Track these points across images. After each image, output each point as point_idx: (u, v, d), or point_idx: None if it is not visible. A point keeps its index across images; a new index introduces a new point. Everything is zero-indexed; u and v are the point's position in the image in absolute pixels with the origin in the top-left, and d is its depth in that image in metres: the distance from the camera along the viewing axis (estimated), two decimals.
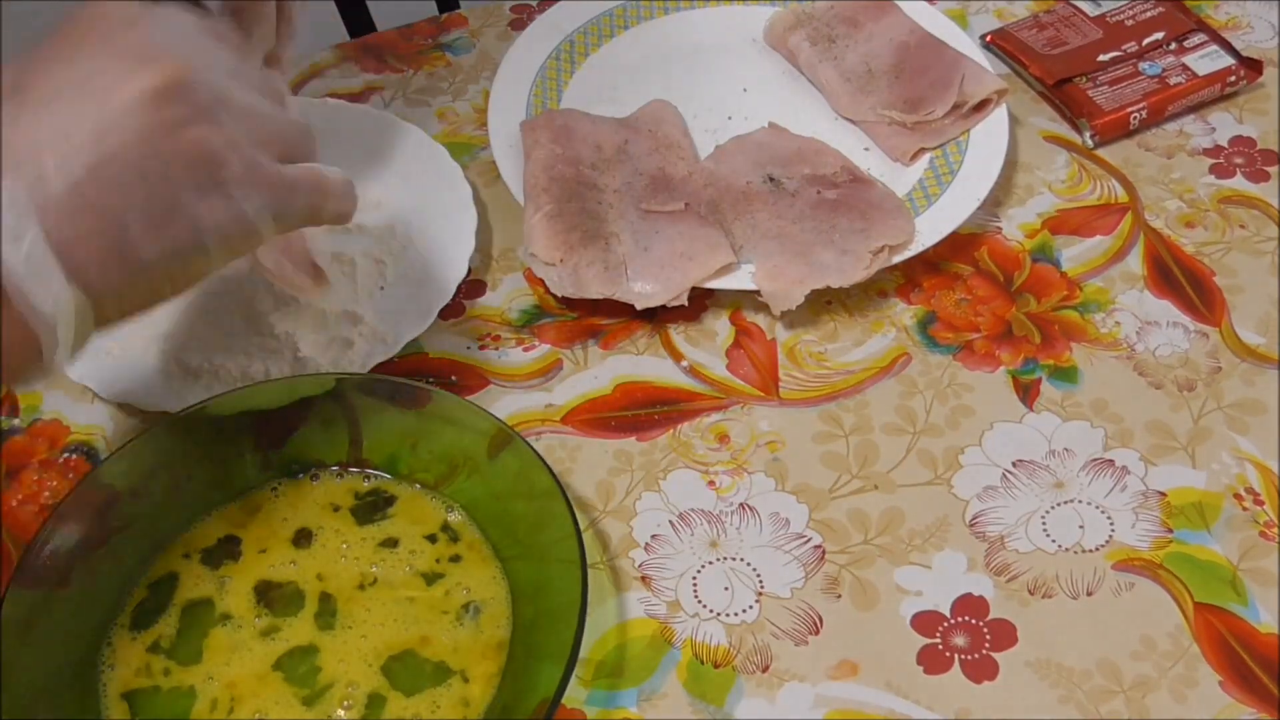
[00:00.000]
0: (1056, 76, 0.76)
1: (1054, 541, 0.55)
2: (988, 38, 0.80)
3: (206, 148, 0.42)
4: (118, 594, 0.52)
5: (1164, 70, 0.75)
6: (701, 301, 0.65)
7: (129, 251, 0.41)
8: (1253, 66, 0.76)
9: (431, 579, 0.53)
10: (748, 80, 0.77)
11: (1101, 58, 0.77)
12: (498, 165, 0.69)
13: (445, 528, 0.54)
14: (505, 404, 0.61)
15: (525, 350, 0.63)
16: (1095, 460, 0.59)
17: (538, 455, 0.52)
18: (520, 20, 0.83)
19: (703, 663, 0.52)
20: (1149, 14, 0.79)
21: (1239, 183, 0.72)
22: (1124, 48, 0.77)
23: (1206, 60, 0.76)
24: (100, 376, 0.60)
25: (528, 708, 0.46)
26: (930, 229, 0.65)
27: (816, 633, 0.53)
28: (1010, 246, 0.68)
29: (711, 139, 0.73)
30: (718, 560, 0.55)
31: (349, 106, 0.73)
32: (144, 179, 0.41)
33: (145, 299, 0.44)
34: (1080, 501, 0.57)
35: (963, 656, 0.52)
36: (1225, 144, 0.74)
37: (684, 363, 0.63)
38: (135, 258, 0.42)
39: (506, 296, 0.66)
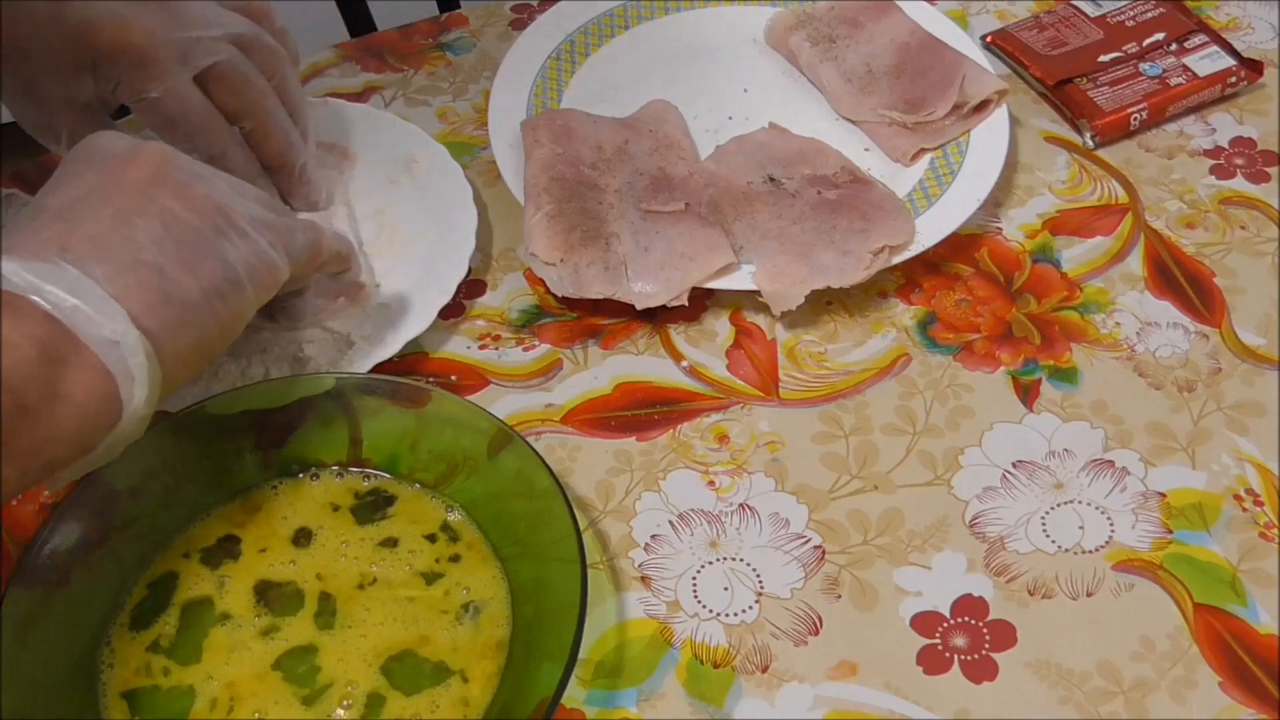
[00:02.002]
0: (1057, 77, 0.76)
1: (1054, 542, 0.55)
2: (988, 38, 0.80)
3: (212, 199, 0.49)
4: (117, 593, 0.52)
5: (1164, 71, 0.75)
6: (701, 302, 0.65)
7: (173, 290, 0.46)
8: (1253, 67, 0.76)
9: (431, 579, 0.53)
10: (748, 80, 0.77)
11: (1102, 58, 0.77)
12: (498, 165, 0.69)
13: (445, 527, 0.54)
14: (505, 404, 0.61)
15: (525, 350, 0.63)
16: (1095, 461, 0.58)
17: (538, 455, 0.52)
18: (521, 20, 0.83)
19: (702, 663, 0.52)
20: (1150, 15, 0.79)
21: (1239, 184, 0.72)
22: (1124, 48, 0.77)
23: (1207, 61, 0.76)
24: None
25: (527, 707, 0.46)
26: (930, 229, 0.65)
27: (816, 633, 0.53)
28: (1010, 247, 0.68)
29: (712, 139, 0.73)
30: (717, 560, 0.55)
31: (349, 106, 0.73)
32: (167, 230, 0.47)
33: (200, 345, 0.48)
34: (1080, 502, 0.57)
35: (962, 657, 0.52)
36: (1226, 145, 0.74)
37: (684, 363, 0.63)
38: (180, 296, 0.47)
39: (506, 296, 0.66)
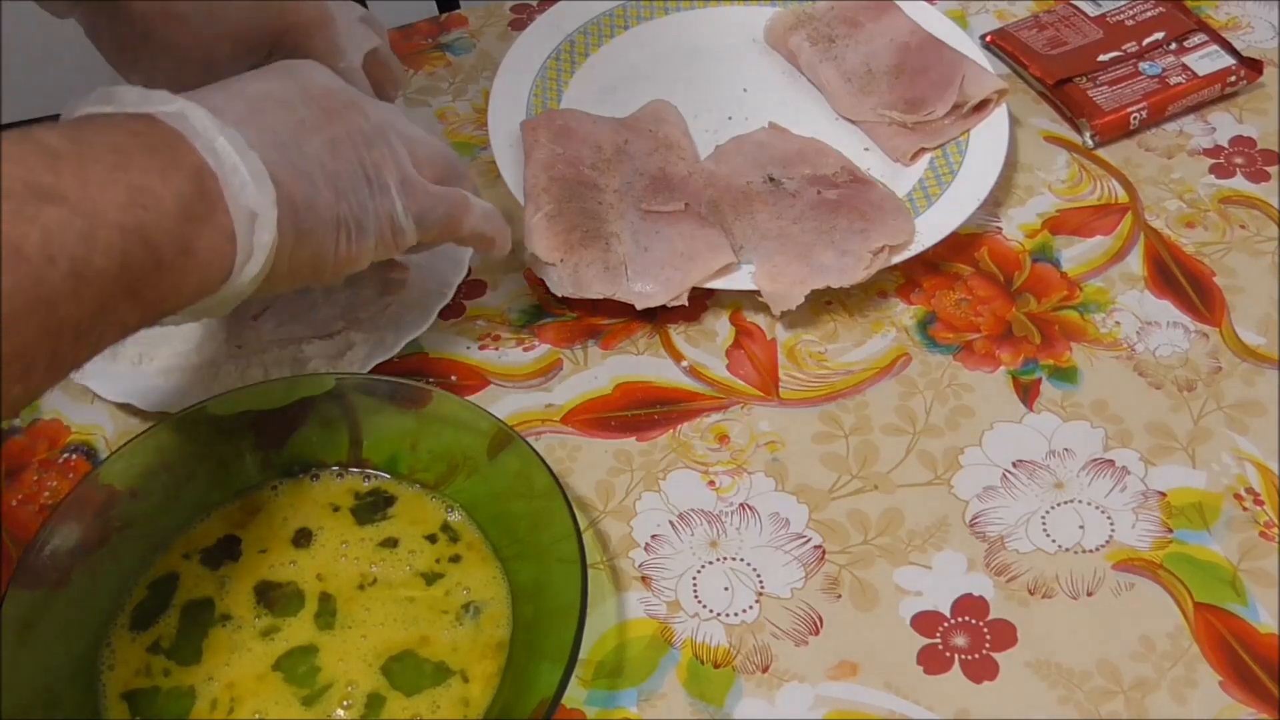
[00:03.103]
0: (1056, 77, 0.76)
1: (1054, 542, 0.55)
2: (988, 38, 0.80)
3: (379, 156, 0.52)
4: (118, 594, 0.52)
5: (1164, 70, 0.75)
6: (701, 301, 0.65)
7: (317, 203, 0.49)
8: (1253, 66, 0.76)
9: (431, 579, 0.53)
10: (748, 80, 0.77)
11: (1102, 58, 0.77)
12: (498, 165, 0.69)
13: (445, 528, 0.54)
14: (505, 404, 0.61)
15: (525, 350, 0.63)
16: (1095, 460, 0.58)
17: (538, 455, 0.52)
18: (520, 20, 0.83)
19: (702, 663, 0.52)
20: (1149, 14, 0.79)
21: (1239, 183, 0.72)
22: (1124, 48, 0.77)
23: (1207, 60, 0.76)
24: (101, 376, 0.59)
25: (527, 707, 0.46)
26: (930, 229, 0.65)
27: (816, 633, 0.53)
28: (1010, 247, 0.68)
29: (711, 139, 0.73)
30: (718, 560, 0.55)
31: None
32: (334, 161, 0.50)
33: (313, 264, 0.50)
34: (1080, 502, 0.57)
35: (963, 657, 0.52)
36: (1225, 144, 0.74)
37: (684, 363, 0.63)
38: (318, 212, 0.49)
39: (506, 296, 0.66)
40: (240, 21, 0.59)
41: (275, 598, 0.52)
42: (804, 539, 0.56)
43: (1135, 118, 0.73)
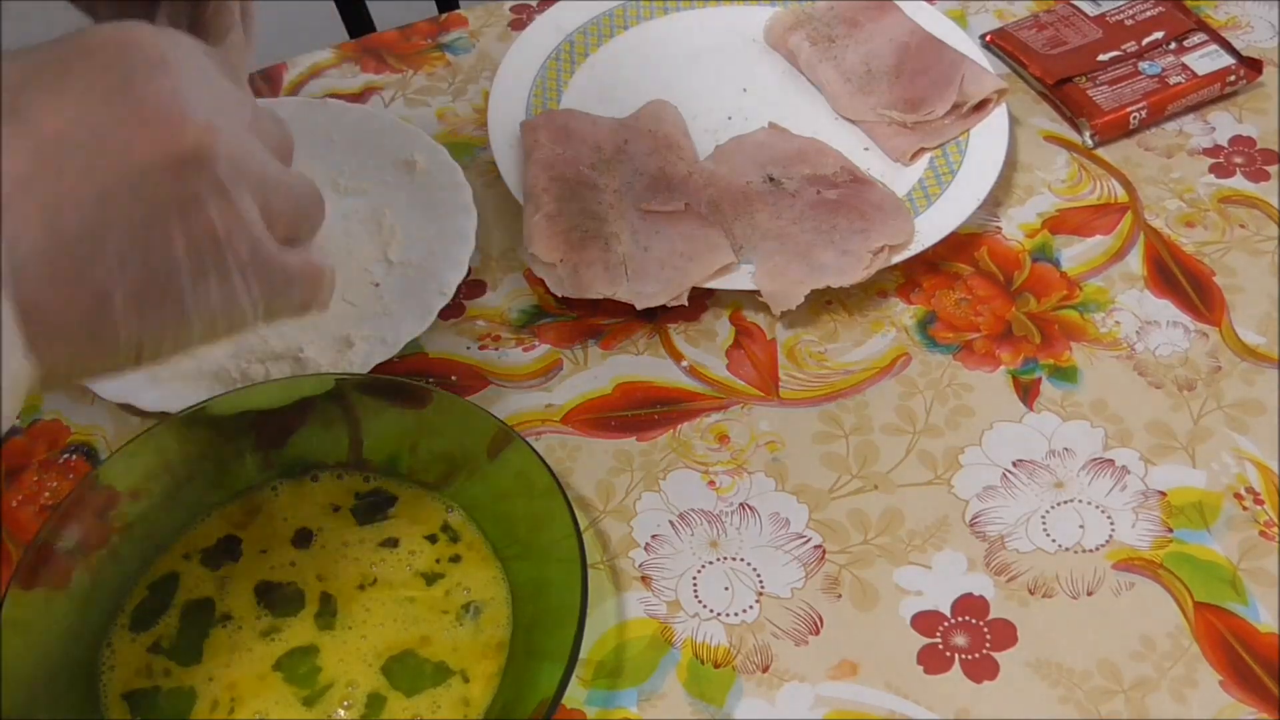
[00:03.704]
0: (1056, 76, 0.76)
1: (1054, 541, 0.55)
2: (988, 37, 0.80)
3: (217, 230, 0.38)
4: (118, 594, 0.52)
5: (1164, 70, 0.75)
6: (701, 301, 0.65)
7: (105, 329, 0.37)
8: (1252, 66, 0.76)
9: (431, 579, 0.53)
10: (748, 80, 0.77)
11: (1101, 57, 0.77)
12: (498, 165, 0.69)
13: (445, 528, 0.54)
14: (505, 404, 0.61)
15: (525, 350, 0.63)
16: (1095, 460, 0.59)
17: (538, 455, 0.52)
18: (520, 20, 0.83)
19: (703, 663, 0.52)
20: (1149, 14, 0.79)
21: (1239, 182, 0.72)
22: (1124, 47, 0.77)
23: (1206, 60, 0.76)
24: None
25: (527, 708, 0.46)
26: (930, 229, 0.65)
27: (816, 633, 0.53)
28: (1010, 246, 0.68)
29: (711, 139, 0.73)
30: (718, 560, 0.55)
31: (349, 106, 0.73)
32: (144, 255, 0.37)
33: (101, 372, 0.40)
34: (1080, 501, 0.57)
35: (963, 656, 0.52)
36: (1225, 144, 0.74)
37: (684, 363, 0.63)
38: (111, 335, 0.37)
39: (506, 296, 0.66)
40: None
41: (275, 598, 0.52)
42: (804, 539, 0.56)
43: (1135, 117, 0.73)
